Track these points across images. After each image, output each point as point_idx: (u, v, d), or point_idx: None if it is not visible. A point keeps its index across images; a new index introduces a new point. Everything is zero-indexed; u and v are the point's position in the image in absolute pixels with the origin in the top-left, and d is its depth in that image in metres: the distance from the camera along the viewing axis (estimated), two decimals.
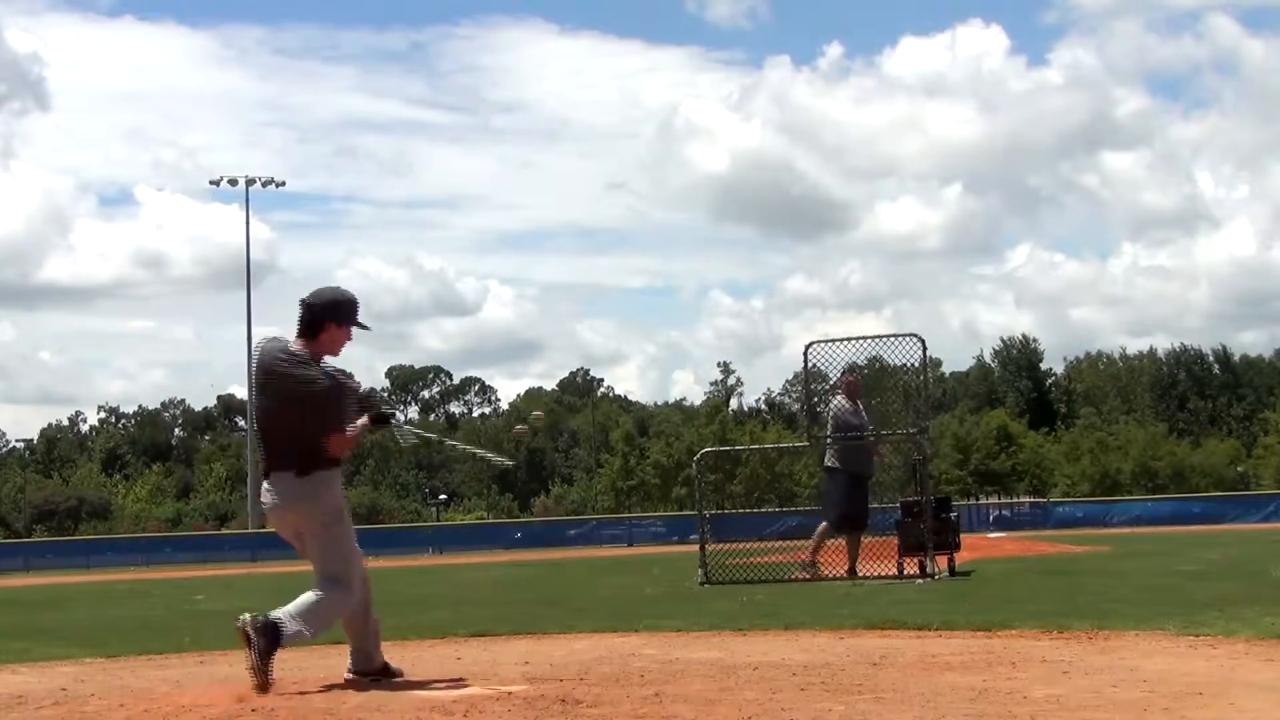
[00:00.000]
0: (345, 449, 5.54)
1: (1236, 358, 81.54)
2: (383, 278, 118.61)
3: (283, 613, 5.28)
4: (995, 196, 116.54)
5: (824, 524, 12.69)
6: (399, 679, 5.64)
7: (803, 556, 12.73)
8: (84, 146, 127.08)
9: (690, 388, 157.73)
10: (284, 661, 5.71)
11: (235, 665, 5.28)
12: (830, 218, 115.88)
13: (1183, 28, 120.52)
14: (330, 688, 5.42)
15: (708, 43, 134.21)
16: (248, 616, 5.20)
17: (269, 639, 5.17)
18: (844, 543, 12.64)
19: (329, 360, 5.54)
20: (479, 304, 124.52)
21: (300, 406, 5.40)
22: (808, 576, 12.23)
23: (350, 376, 5.59)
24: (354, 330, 5.61)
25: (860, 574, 12.13)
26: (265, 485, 5.56)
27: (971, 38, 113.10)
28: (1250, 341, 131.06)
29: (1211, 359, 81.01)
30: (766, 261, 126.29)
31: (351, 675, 5.63)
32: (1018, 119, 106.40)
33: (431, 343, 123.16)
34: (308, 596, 5.39)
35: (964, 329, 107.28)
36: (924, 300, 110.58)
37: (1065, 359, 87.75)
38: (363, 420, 5.64)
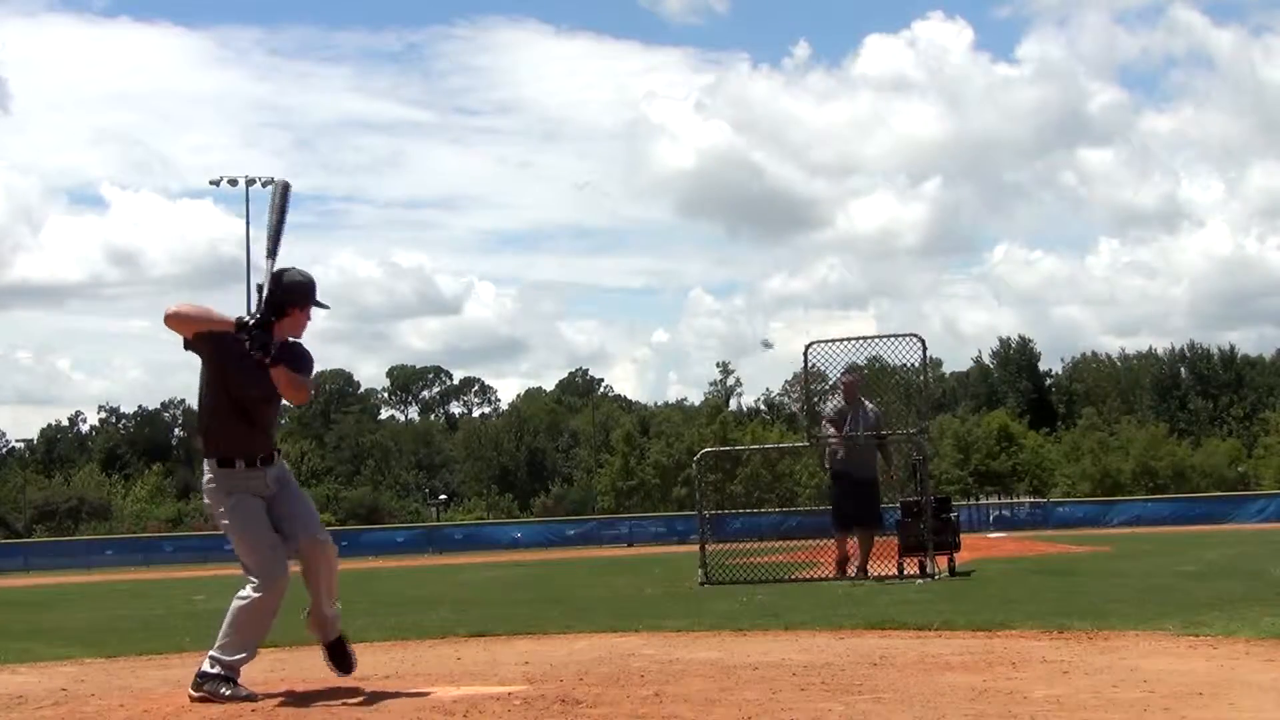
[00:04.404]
0: (291, 390, 5.35)
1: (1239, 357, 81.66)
2: (376, 277, 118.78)
3: (213, 654, 5.24)
4: (972, 194, 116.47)
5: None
6: (345, 671, 5.59)
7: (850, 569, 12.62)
8: (78, 147, 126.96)
9: (679, 388, 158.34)
10: (284, 661, 5.71)
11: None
12: (809, 216, 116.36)
13: (1151, 22, 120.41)
14: (330, 688, 5.43)
15: (703, 44, 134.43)
16: (191, 691, 5.20)
17: (212, 683, 5.17)
18: (855, 543, 12.61)
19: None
20: (471, 303, 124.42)
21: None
22: (852, 576, 12.16)
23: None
24: (315, 310, 5.57)
25: (870, 574, 12.11)
26: None
27: (940, 33, 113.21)
28: (1235, 340, 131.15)
29: (1216, 357, 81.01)
30: (746, 260, 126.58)
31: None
32: (991, 116, 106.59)
33: (418, 343, 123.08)
34: (227, 615, 5.31)
35: (946, 328, 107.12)
36: (904, 299, 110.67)
37: (1062, 360, 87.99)
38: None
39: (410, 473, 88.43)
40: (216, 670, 5.20)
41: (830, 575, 12.29)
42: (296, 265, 5.59)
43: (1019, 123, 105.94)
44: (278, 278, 5.46)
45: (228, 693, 5.13)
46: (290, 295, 5.47)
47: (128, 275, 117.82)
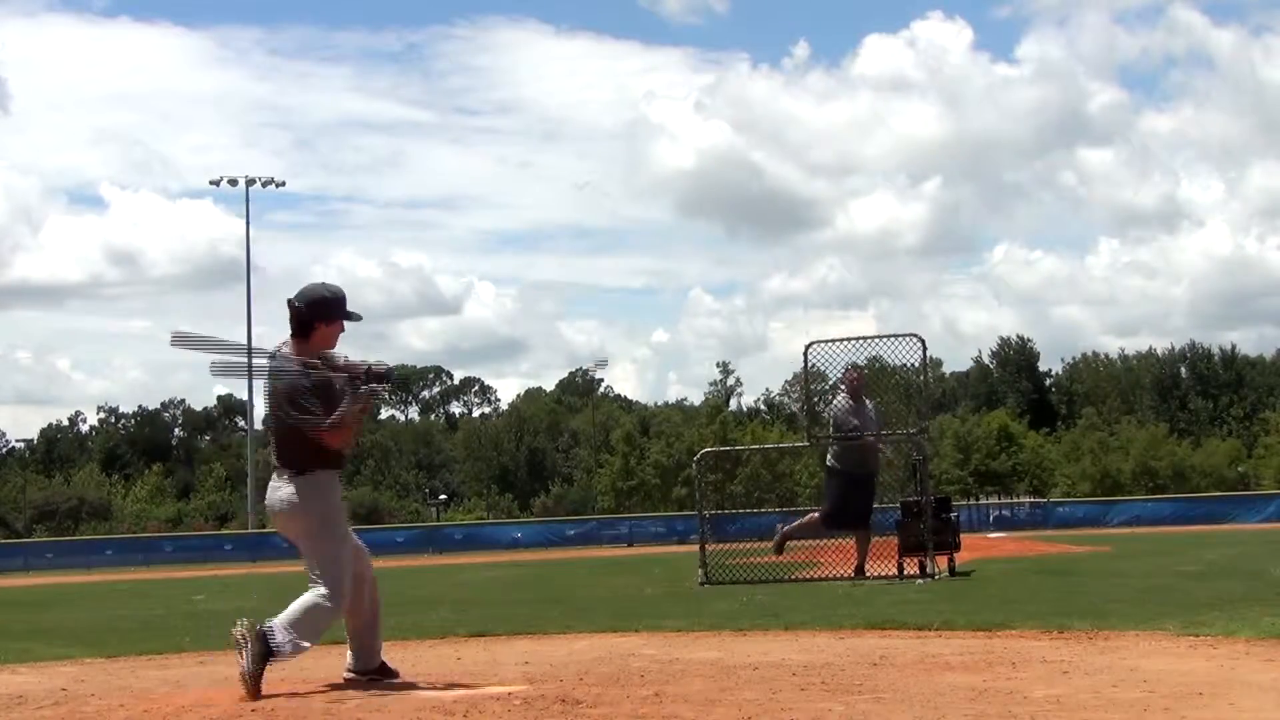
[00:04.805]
0: (340, 441, 5.48)
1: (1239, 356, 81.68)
2: (376, 277, 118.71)
3: (277, 623, 5.28)
4: (972, 194, 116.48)
5: (812, 515, 12.83)
6: (396, 679, 5.65)
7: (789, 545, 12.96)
8: (77, 147, 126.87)
9: (679, 388, 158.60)
10: (284, 662, 5.70)
11: (235, 666, 5.28)
12: (808, 216, 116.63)
13: (1150, 22, 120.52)
14: (330, 687, 5.43)
15: (703, 44, 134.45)
16: (244, 622, 5.21)
17: (262, 646, 5.19)
18: (844, 542, 12.67)
19: (337, 353, 5.59)
20: (471, 303, 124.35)
21: (283, 407, 5.48)
22: (776, 549, 12.54)
23: (324, 364, 5.50)
24: (346, 323, 5.65)
25: (868, 574, 12.12)
26: (270, 483, 5.61)
27: (940, 33, 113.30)
28: (1235, 339, 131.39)
29: (1217, 356, 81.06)
30: (746, 260, 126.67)
31: (351, 674, 5.64)
32: (991, 116, 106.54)
33: (418, 343, 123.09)
34: (300, 603, 5.38)
35: (946, 328, 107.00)
36: (903, 299, 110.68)
37: (1062, 360, 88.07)
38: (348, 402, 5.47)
39: (410, 473, 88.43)
40: (263, 634, 5.20)
41: (831, 575, 12.30)
42: (324, 281, 5.70)
43: (1019, 123, 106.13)
44: (303, 294, 5.54)
45: (250, 663, 5.14)
46: (317, 311, 5.51)
47: (127, 275, 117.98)
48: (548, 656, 6.59)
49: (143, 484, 77.47)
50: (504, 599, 12.56)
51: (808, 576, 12.46)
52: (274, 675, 5.80)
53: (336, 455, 5.53)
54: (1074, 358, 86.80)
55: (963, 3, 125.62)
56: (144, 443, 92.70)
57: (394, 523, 61.98)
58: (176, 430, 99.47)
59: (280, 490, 5.49)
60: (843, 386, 12.83)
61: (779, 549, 12.82)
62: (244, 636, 5.18)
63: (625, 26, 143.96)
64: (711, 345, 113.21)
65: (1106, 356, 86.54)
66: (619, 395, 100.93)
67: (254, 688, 5.14)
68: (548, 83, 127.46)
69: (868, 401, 12.74)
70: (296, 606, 5.36)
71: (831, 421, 12.89)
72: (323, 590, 5.39)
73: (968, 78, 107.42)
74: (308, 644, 5.35)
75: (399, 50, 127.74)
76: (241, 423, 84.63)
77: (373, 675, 5.62)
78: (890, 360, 13.00)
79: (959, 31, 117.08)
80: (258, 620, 5.26)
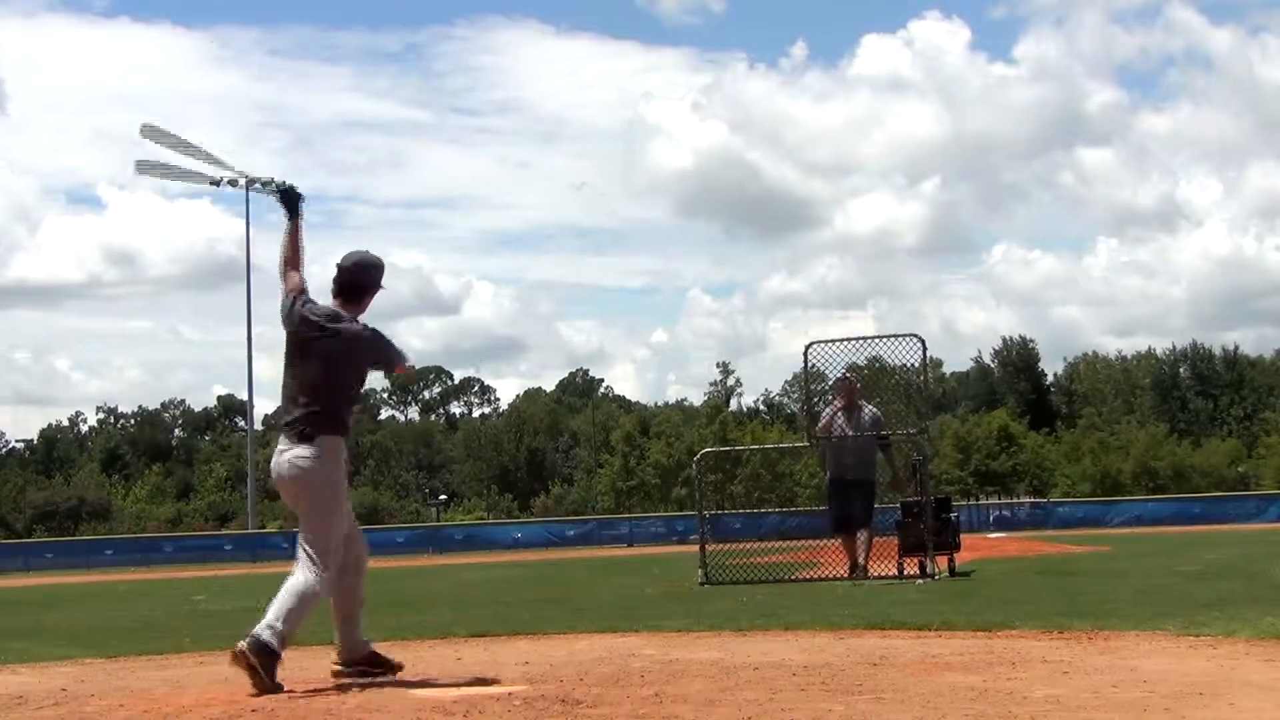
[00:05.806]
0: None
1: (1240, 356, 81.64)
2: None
3: (268, 624, 5.28)
4: (970, 194, 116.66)
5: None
6: (395, 668, 5.67)
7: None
8: (76, 148, 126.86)
9: (679, 388, 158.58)
10: (284, 661, 5.70)
11: (238, 669, 5.29)
12: (807, 216, 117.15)
13: (1148, 21, 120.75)
14: (330, 687, 5.42)
15: (701, 44, 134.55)
16: (243, 644, 5.22)
17: (268, 658, 5.21)
18: (840, 543, 12.66)
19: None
20: (470, 303, 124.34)
21: (341, 364, 5.61)
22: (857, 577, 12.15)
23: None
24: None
25: (869, 574, 12.08)
26: (282, 448, 5.61)
27: (937, 32, 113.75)
28: (1235, 339, 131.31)
29: (1219, 356, 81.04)
30: (745, 260, 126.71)
31: (339, 668, 5.64)
32: (989, 115, 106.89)
33: (417, 343, 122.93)
34: (286, 592, 5.38)
35: (944, 328, 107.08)
36: (902, 299, 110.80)
37: (1064, 360, 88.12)
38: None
39: (410, 473, 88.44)
40: (276, 646, 5.22)
41: (831, 575, 12.29)
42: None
43: (1017, 122, 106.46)
44: (349, 256, 5.76)
45: (264, 679, 5.16)
46: (378, 277, 5.79)
47: (126, 275, 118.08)
48: (548, 656, 6.58)
49: (143, 484, 77.52)
50: (504, 599, 12.55)
51: (808, 576, 12.45)
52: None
53: (346, 424, 5.69)
54: (1074, 358, 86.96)
55: (960, 2, 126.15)
56: (144, 443, 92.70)
57: (394, 523, 61.90)
58: (176, 430, 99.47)
59: (300, 453, 5.51)
60: (838, 392, 12.77)
61: (865, 574, 12.52)
62: (250, 655, 5.18)
63: (624, 27, 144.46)
64: (711, 345, 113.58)
65: (1106, 357, 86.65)
66: (619, 395, 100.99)
67: (275, 689, 5.18)
68: (547, 83, 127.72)
69: (867, 407, 12.66)
70: (284, 594, 5.36)
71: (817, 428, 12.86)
72: (313, 571, 5.40)
73: (965, 78, 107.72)
74: (297, 628, 5.38)
75: (399, 50, 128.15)
76: (241, 423, 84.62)
77: (362, 665, 5.62)
78: (890, 360, 12.99)
79: (956, 31, 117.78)
80: (249, 636, 5.24)
